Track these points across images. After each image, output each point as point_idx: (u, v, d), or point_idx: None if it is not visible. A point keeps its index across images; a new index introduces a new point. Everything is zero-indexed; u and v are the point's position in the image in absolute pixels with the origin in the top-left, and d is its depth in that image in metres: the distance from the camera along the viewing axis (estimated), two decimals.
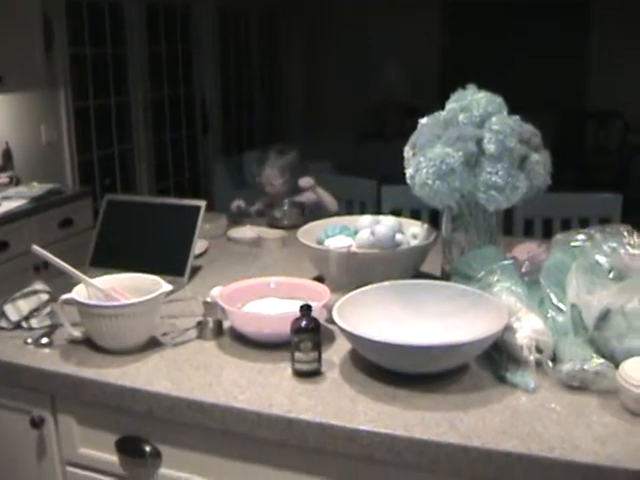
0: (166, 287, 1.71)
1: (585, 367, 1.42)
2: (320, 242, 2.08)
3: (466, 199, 1.86)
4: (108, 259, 2.19)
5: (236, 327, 1.73)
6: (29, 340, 1.74)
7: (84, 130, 5.30)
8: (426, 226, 2.10)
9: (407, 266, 1.98)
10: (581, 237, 1.71)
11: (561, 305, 1.60)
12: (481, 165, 1.80)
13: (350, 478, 1.40)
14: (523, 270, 1.78)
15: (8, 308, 1.81)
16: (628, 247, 1.61)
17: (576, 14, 7.52)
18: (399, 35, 7.88)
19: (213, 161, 6.69)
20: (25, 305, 1.82)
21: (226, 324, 1.77)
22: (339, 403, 1.42)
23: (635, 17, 7.08)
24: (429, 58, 7.99)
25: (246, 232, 2.66)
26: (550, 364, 1.48)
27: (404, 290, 1.73)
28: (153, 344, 1.71)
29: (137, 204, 2.42)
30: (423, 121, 1.96)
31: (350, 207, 3.65)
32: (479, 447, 1.26)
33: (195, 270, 2.23)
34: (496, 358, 1.53)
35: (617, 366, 1.39)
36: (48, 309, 1.83)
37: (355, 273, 1.91)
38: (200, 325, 1.76)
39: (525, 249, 1.97)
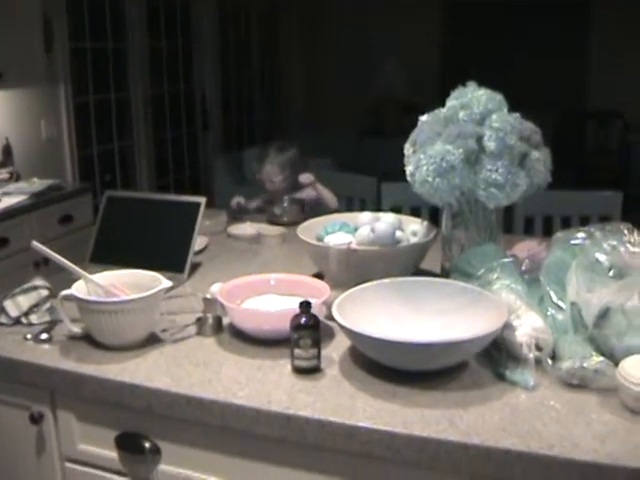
0: (166, 283, 1.71)
1: (585, 365, 1.42)
2: (320, 239, 2.08)
3: (466, 196, 1.86)
4: (108, 255, 2.19)
5: (235, 324, 1.73)
6: (29, 336, 1.74)
7: (84, 126, 5.30)
8: (426, 223, 2.10)
9: (407, 263, 1.98)
10: (581, 235, 1.71)
11: (561, 303, 1.60)
12: (481, 162, 1.80)
13: (349, 475, 1.40)
14: (523, 268, 1.77)
15: (8, 304, 1.81)
16: (628, 245, 1.61)
17: (576, 14, 7.51)
18: (399, 35, 7.87)
19: (213, 158, 6.69)
20: (25, 301, 1.82)
21: (225, 321, 1.77)
22: (338, 400, 1.42)
23: (635, 17, 7.08)
24: (429, 58, 7.98)
25: (246, 229, 2.66)
26: (550, 362, 1.48)
27: (404, 287, 1.73)
28: (153, 340, 1.71)
29: (137, 200, 2.42)
30: (423, 118, 1.96)
31: (350, 204, 3.66)
32: (478, 445, 1.26)
33: (195, 266, 2.23)
34: (496, 356, 1.53)
35: (617, 364, 1.39)
36: (48, 305, 1.83)
37: (355, 270, 1.91)
38: (200, 321, 1.76)
39: (525, 247, 1.97)
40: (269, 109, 8.15)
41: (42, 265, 3.43)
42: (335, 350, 1.63)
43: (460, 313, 1.62)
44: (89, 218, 4.12)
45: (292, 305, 1.58)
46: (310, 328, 1.52)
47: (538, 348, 1.49)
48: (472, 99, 1.88)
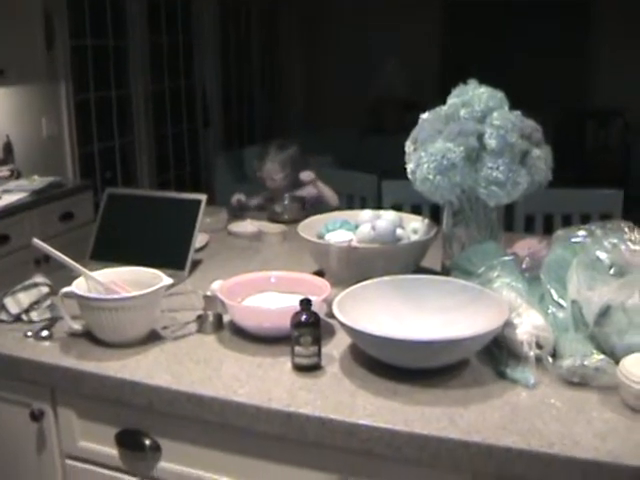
0: (166, 280, 1.71)
1: (585, 363, 1.42)
2: (321, 236, 2.08)
3: (467, 194, 1.86)
4: (108, 252, 2.19)
5: (236, 321, 1.73)
6: (29, 333, 1.74)
7: (85, 123, 5.29)
8: (427, 221, 2.10)
9: (408, 261, 1.98)
10: (582, 233, 1.70)
11: (561, 301, 1.60)
12: (482, 160, 1.80)
13: (349, 473, 1.40)
14: (524, 266, 1.77)
15: (8, 301, 1.81)
16: (629, 243, 1.61)
17: (576, 14, 7.50)
18: (399, 35, 7.86)
19: (214, 155, 6.69)
20: (25, 298, 1.82)
21: (226, 318, 1.77)
22: (339, 397, 1.42)
23: (635, 16, 7.07)
24: (429, 58, 7.97)
25: (247, 226, 2.66)
26: (550, 360, 1.48)
27: (404, 285, 1.73)
28: (153, 337, 1.71)
29: (138, 197, 2.42)
30: (424, 116, 1.96)
31: (351, 202, 3.66)
32: (479, 442, 1.26)
33: (195, 264, 2.23)
34: (496, 354, 1.53)
35: (617, 362, 1.39)
36: (48, 302, 1.83)
37: (355, 268, 1.91)
38: (200, 319, 1.76)
39: (526, 245, 1.97)
40: (269, 106, 8.14)
41: (43, 262, 3.44)
42: (335, 348, 1.63)
43: (461, 311, 1.62)
44: (90, 215, 4.12)
45: (292, 303, 1.58)
46: (310, 326, 1.52)
47: (539, 346, 1.49)
48: (473, 97, 1.88)
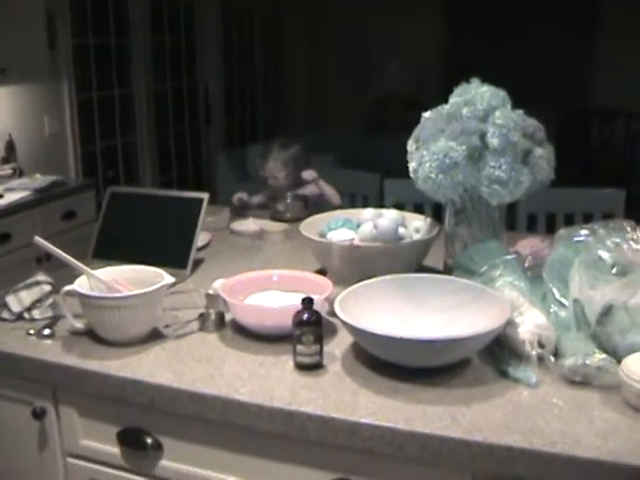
0: (168, 279, 1.71)
1: (587, 362, 1.42)
2: (323, 235, 2.08)
3: (469, 193, 1.86)
4: (111, 251, 2.19)
5: (238, 319, 1.73)
6: (31, 331, 1.74)
7: (87, 122, 5.29)
8: (429, 220, 2.09)
9: (410, 260, 1.98)
10: (584, 232, 1.70)
11: (564, 300, 1.60)
12: (484, 159, 1.79)
13: (351, 471, 1.40)
14: (526, 265, 1.77)
15: (10, 299, 1.81)
16: (631, 242, 1.61)
17: (580, 13, 7.49)
18: (401, 34, 7.85)
19: (216, 154, 6.68)
20: (27, 296, 1.82)
21: (228, 316, 1.77)
22: (340, 396, 1.42)
23: (639, 15, 7.06)
24: (431, 57, 7.96)
25: (249, 225, 2.66)
26: (552, 359, 1.48)
27: (406, 284, 1.73)
28: (155, 336, 1.71)
29: (140, 196, 2.42)
30: (427, 115, 1.96)
31: (353, 201, 3.65)
32: (481, 441, 1.26)
33: (197, 262, 2.23)
34: (498, 353, 1.53)
35: (619, 361, 1.39)
36: (50, 300, 1.83)
37: (357, 266, 1.91)
38: (202, 317, 1.76)
39: (528, 244, 1.97)
40: (272, 105, 8.14)
41: (45, 261, 3.44)
42: (337, 346, 1.63)
43: (463, 310, 1.61)
44: (92, 214, 4.12)
45: (294, 301, 1.58)
46: (312, 324, 1.51)
47: (541, 345, 1.49)
48: (475, 95, 1.87)
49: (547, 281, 1.65)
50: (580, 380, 1.43)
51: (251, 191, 3.31)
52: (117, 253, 2.12)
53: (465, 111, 1.86)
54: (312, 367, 1.52)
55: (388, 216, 2.06)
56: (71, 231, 3.95)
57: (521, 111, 1.87)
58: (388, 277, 1.74)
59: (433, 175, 1.80)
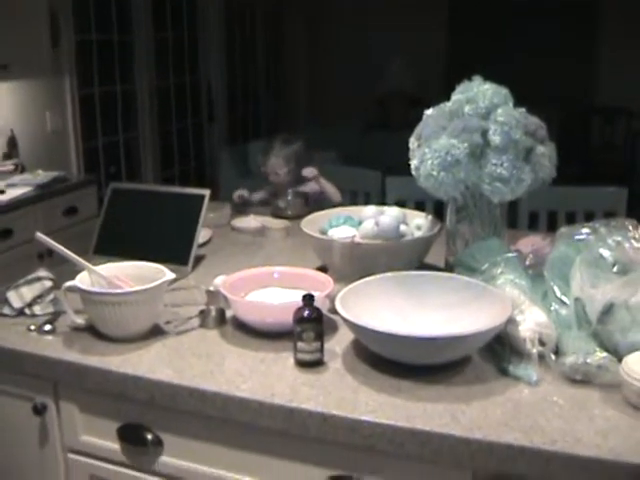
0: (169, 275, 1.71)
1: (588, 361, 1.42)
2: (324, 232, 2.07)
3: (471, 191, 1.85)
4: (112, 247, 2.20)
5: (239, 316, 1.73)
6: (32, 327, 1.74)
7: (89, 118, 5.28)
8: (430, 217, 2.09)
9: (411, 257, 1.97)
10: (586, 230, 1.70)
11: (565, 298, 1.59)
12: (486, 157, 1.79)
13: (351, 468, 1.40)
14: (527, 263, 1.77)
15: (11, 295, 1.82)
16: (633, 241, 1.61)
17: (583, 12, 7.48)
18: (404, 33, 7.84)
19: (219, 150, 6.68)
20: (28, 292, 1.82)
21: (229, 313, 1.77)
22: (341, 393, 1.42)
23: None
24: (434, 54, 7.94)
25: (250, 222, 2.66)
26: (553, 357, 1.48)
27: (407, 281, 1.73)
28: (156, 332, 1.71)
29: (142, 192, 2.42)
30: (428, 112, 1.96)
31: (354, 198, 3.65)
32: (481, 439, 1.26)
33: (199, 259, 2.23)
34: (499, 351, 1.53)
35: (620, 360, 1.39)
36: (51, 296, 1.83)
37: (358, 263, 1.91)
38: (203, 314, 1.76)
39: (529, 242, 1.96)
40: (275, 103, 8.13)
41: (46, 256, 3.44)
42: (338, 343, 1.63)
43: (464, 307, 1.61)
44: (94, 210, 4.13)
45: (295, 298, 1.58)
46: (313, 321, 1.51)
47: (541, 343, 1.49)
48: (478, 93, 1.87)
49: (548, 279, 1.65)
50: (581, 378, 1.43)
51: (253, 188, 3.31)
52: (118, 249, 2.12)
53: (467, 109, 1.86)
54: (313, 364, 1.52)
55: (389, 213, 2.05)
56: (73, 227, 3.96)
57: (523, 109, 1.87)
58: (389, 274, 1.74)
59: (435, 172, 1.80)
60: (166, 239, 2.19)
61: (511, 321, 1.51)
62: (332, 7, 8.21)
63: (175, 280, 1.81)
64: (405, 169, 1.95)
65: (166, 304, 1.77)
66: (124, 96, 5.75)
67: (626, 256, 1.58)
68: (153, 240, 2.19)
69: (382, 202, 3.12)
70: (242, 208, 2.94)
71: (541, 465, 1.23)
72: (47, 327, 1.73)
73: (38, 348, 1.65)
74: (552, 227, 2.77)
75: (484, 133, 1.80)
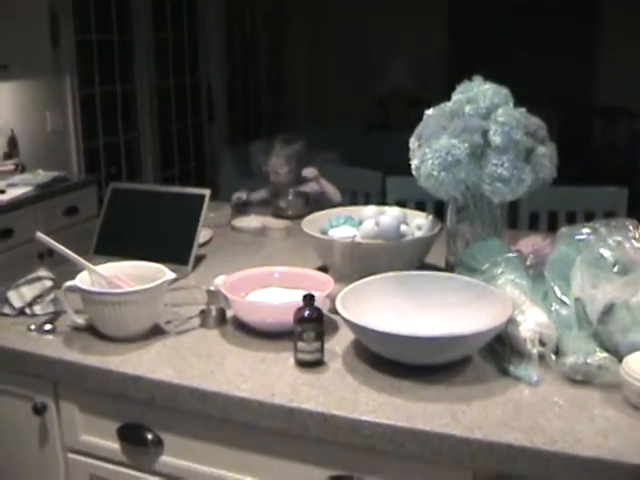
0: (169, 275, 1.71)
1: (588, 361, 1.41)
2: (324, 232, 2.07)
3: (471, 191, 1.85)
4: (112, 247, 2.19)
5: (239, 316, 1.73)
6: (32, 327, 1.74)
7: (90, 118, 5.29)
8: (431, 217, 2.09)
9: (411, 257, 1.97)
10: (586, 231, 1.70)
11: (565, 298, 1.59)
12: (487, 157, 1.79)
13: (352, 468, 1.40)
14: (527, 263, 1.77)
15: (11, 294, 1.82)
16: (633, 241, 1.61)
17: (583, 12, 7.48)
18: (399, 35, 7.83)
19: (219, 150, 6.68)
20: (28, 292, 1.82)
21: (229, 313, 1.77)
22: (341, 393, 1.42)
23: None
24: (435, 54, 7.94)
25: (250, 221, 2.66)
26: (553, 357, 1.48)
27: (408, 281, 1.72)
28: (156, 332, 1.71)
29: (142, 192, 2.42)
30: (429, 112, 1.96)
31: (355, 198, 3.65)
32: (481, 439, 1.26)
33: (199, 259, 2.23)
34: (499, 351, 1.53)
35: (620, 360, 1.39)
36: (51, 296, 1.83)
37: (359, 263, 1.91)
38: (203, 314, 1.76)
39: (530, 242, 1.96)
40: (275, 102, 8.13)
41: (46, 256, 3.44)
42: (338, 343, 1.63)
43: (464, 308, 1.61)
44: (94, 210, 4.12)
45: (296, 298, 1.58)
46: (313, 321, 1.51)
47: (542, 343, 1.49)
48: (478, 93, 1.87)
49: (549, 279, 1.65)
50: (581, 379, 1.43)
51: (253, 188, 3.31)
52: (119, 249, 2.12)
53: (468, 109, 1.85)
54: (313, 364, 1.52)
55: (390, 213, 2.05)
56: (73, 227, 3.96)
57: (523, 109, 1.87)
58: (390, 274, 1.74)
59: (435, 173, 1.80)
60: (166, 239, 2.19)
61: (511, 321, 1.51)
62: (332, 7, 8.21)
63: (175, 280, 1.81)
64: (405, 169, 1.95)
65: (166, 304, 1.77)
66: (124, 96, 5.75)
67: (626, 256, 1.57)
68: (153, 240, 2.19)
69: (382, 202, 3.12)
70: (242, 208, 2.94)
71: (541, 465, 1.23)
72: (47, 327, 1.73)
73: (38, 348, 1.65)
74: (552, 227, 2.77)
75: (485, 133, 1.80)
